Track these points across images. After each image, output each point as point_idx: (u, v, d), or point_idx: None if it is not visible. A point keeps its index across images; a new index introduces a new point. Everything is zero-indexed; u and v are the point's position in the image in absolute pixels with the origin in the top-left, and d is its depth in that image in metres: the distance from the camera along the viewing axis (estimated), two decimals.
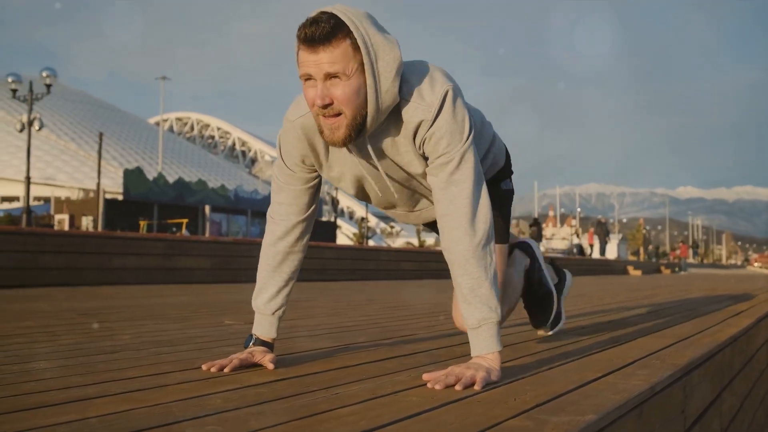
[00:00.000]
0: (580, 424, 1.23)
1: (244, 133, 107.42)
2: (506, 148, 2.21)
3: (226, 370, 1.73)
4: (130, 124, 79.86)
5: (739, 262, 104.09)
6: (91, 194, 40.08)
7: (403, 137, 1.72)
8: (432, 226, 2.23)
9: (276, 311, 1.88)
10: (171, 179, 37.26)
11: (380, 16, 1.68)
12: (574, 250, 34.93)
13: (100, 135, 32.34)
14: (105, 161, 49.73)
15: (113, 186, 47.64)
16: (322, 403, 1.38)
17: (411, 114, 1.68)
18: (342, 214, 77.40)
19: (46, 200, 42.28)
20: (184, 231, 28.70)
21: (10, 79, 20.01)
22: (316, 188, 1.90)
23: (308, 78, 1.61)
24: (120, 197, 34.44)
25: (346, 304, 4.75)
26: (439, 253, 1.96)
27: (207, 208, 34.88)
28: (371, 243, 37.75)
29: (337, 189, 31.41)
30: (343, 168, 1.83)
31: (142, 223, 28.97)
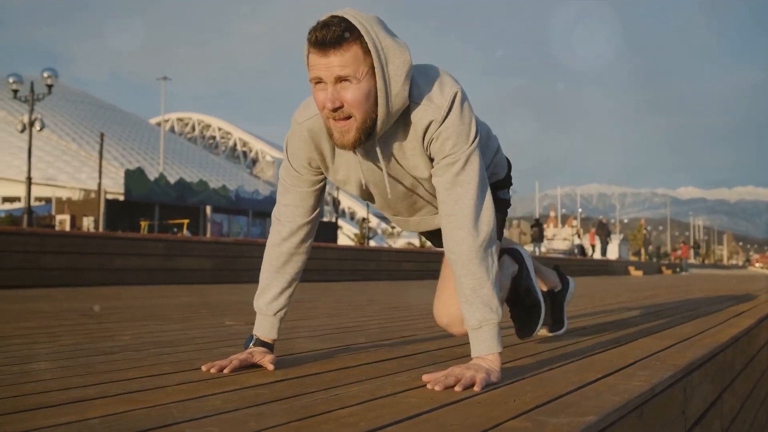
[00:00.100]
0: (580, 426, 1.23)
1: (246, 134, 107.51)
2: (509, 162, 2.23)
3: (225, 371, 1.73)
4: (132, 125, 79.91)
5: (740, 263, 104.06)
6: (93, 195, 40.12)
7: (411, 140, 1.73)
8: (430, 235, 2.23)
9: (278, 312, 1.89)
10: (172, 180, 37.28)
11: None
12: (576, 251, 34.93)
13: (101, 135, 32.38)
14: (106, 162, 49.78)
15: (114, 186, 47.69)
16: (321, 404, 1.38)
17: (420, 117, 1.69)
18: (343, 214, 77.45)
19: (48, 201, 42.32)
20: (185, 231, 28.71)
21: (11, 80, 20.02)
22: (322, 191, 1.91)
23: (318, 81, 1.61)
24: (121, 198, 34.47)
25: (347, 305, 4.75)
26: (441, 254, 1.96)
27: (208, 209, 34.89)
28: (372, 243, 37.76)
29: (338, 189, 31.44)
30: (349, 171, 1.83)
31: (143, 224, 28.99)
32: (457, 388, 1.52)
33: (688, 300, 5.34)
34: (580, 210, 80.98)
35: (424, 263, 13.40)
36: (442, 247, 1.82)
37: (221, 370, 1.73)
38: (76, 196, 46.97)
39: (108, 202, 31.30)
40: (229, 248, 9.84)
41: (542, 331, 2.67)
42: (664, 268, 31.69)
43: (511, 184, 2.26)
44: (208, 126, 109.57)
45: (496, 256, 1.73)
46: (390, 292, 7.08)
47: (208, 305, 4.53)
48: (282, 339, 2.03)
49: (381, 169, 1.79)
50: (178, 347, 2.28)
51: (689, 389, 1.94)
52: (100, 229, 27.05)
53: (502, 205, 2.21)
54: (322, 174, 1.87)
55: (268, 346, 1.88)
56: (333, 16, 1.60)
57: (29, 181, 20.05)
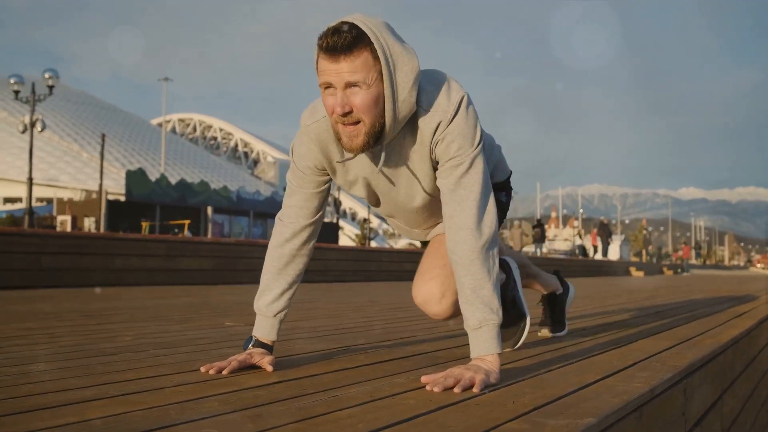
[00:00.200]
0: (578, 428, 1.22)
1: (247, 134, 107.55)
2: (510, 172, 2.24)
3: (224, 372, 1.73)
4: (133, 125, 79.93)
5: (741, 263, 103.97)
6: (94, 195, 40.16)
7: (418, 145, 1.75)
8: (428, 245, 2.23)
9: (278, 314, 1.89)
10: (173, 180, 37.32)
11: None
12: (577, 251, 34.92)
13: (103, 136, 32.43)
14: (107, 162, 49.81)
15: (116, 187, 47.73)
16: (319, 405, 1.38)
17: (428, 122, 1.71)
18: (344, 215, 77.46)
19: (49, 201, 42.36)
20: (186, 232, 28.73)
21: (12, 81, 20.04)
22: (326, 193, 1.92)
23: (328, 86, 1.63)
24: (122, 198, 34.52)
25: (347, 306, 4.75)
26: None
27: (209, 210, 34.93)
28: (373, 244, 37.76)
29: (339, 190, 31.46)
30: (356, 174, 1.85)
31: (145, 225, 29.02)
32: (456, 390, 1.52)
33: (689, 301, 5.33)
34: (581, 211, 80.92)
35: None
36: None
37: (220, 371, 1.73)
38: (77, 196, 47.00)
39: (109, 202, 31.34)
40: (230, 249, 9.85)
41: (544, 332, 2.67)
42: (665, 269, 31.67)
43: (511, 188, 2.27)
44: (210, 127, 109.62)
45: (497, 258, 1.74)
46: (391, 292, 7.07)
47: (208, 306, 4.54)
48: (281, 340, 2.03)
49: (387, 173, 1.82)
50: (177, 348, 2.28)
51: (689, 390, 1.94)
52: (101, 229, 27.07)
53: (499, 207, 2.21)
54: (327, 176, 1.89)
55: (267, 348, 1.88)
56: (343, 22, 1.62)
57: (30, 182, 20.08)
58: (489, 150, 2.03)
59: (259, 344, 1.87)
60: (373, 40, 1.60)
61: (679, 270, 32.74)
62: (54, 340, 2.49)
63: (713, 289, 7.58)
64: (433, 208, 1.92)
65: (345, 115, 1.63)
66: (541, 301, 2.73)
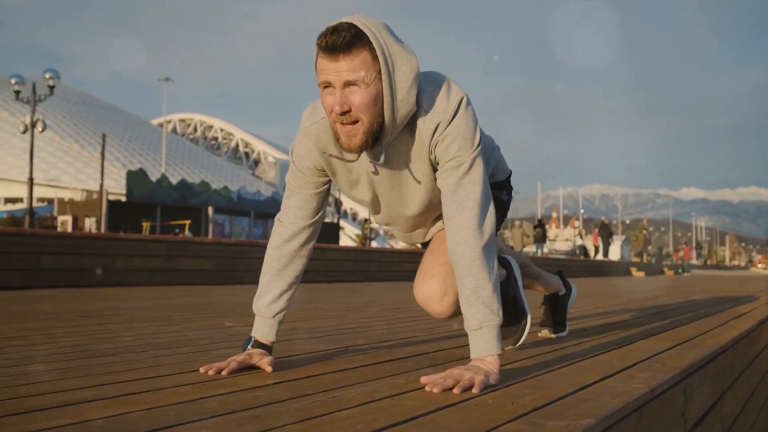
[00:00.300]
0: (577, 429, 1.22)
1: (248, 135, 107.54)
2: (510, 172, 2.24)
3: (223, 372, 1.73)
4: (133, 126, 79.93)
5: (742, 264, 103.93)
6: (95, 195, 40.19)
7: (418, 145, 1.75)
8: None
9: (277, 314, 1.89)
10: (174, 180, 37.32)
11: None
12: (578, 252, 34.90)
13: (103, 136, 32.45)
14: (108, 162, 49.82)
15: (116, 187, 47.72)
16: (318, 406, 1.38)
17: (427, 122, 1.72)
18: (345, 215, 77.45)
19: (50, 201, 42.40)
20: (186, 232, 28.73)
21: (13, 81, 20.06)
22: (325, 194, 1.92)
23: (327, 86, 1.64)
24: (123, 198, 34.53)
25: (347, 306, 4.75)
26: None
27: (210, 210, 34.95)
28: (374, 244, 37.76)
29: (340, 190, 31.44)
30: (356, 176, 1.85)
31: (145, 225, 29.03)
32: (455, 391, 1.51)
33: (690, 301, 5.33)
34: (582, 211, 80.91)
35: None
36: None
37: (219, 372, 1.73)
38: (78, 196, 47.07)
39: (110, 202, 31.36)
40: (231, 249, 9.85)
41: (544, 333, 2.67)
42: (666, 269, 31.65)
43: (512, 188, 2.27)
44: (210, 127, 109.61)
45: (496, 260, 1.74)
46: (391, 293, 7.07)
47: (209, 306, 4.54)
48: (281, 340, 2.03)
49: (387, 173, 1.81)
50: (176, 349, 2.28)
51: (689, 391, 1.94)
52: (102, 229, 27.09)
53: (499, 206, 2.21)
54: (327, 177, 1.89)
55: (267, 348, 1.87)
56: (342, 22, 1.63)
57: (31, 182, 20.09)
58: (489, 151, 2.03)
59: (259, 345, 1.87)
60: (371, 39, 1.61)
61: (680, 270, 32.72)
62: (54, 341, 2.49)
63: (714, 290, 7.57)
64: (431, 208, 1.92)
65: (343, 114, 1.63)
66: (544, 302, 2.73)
